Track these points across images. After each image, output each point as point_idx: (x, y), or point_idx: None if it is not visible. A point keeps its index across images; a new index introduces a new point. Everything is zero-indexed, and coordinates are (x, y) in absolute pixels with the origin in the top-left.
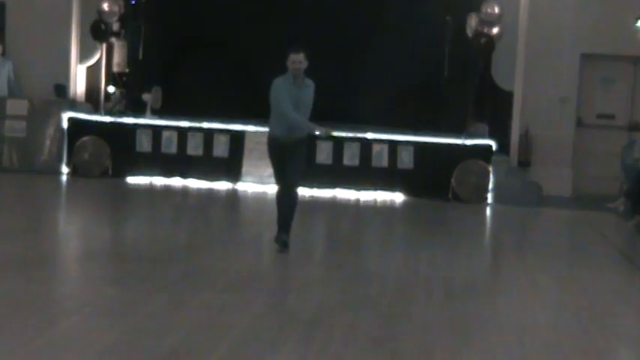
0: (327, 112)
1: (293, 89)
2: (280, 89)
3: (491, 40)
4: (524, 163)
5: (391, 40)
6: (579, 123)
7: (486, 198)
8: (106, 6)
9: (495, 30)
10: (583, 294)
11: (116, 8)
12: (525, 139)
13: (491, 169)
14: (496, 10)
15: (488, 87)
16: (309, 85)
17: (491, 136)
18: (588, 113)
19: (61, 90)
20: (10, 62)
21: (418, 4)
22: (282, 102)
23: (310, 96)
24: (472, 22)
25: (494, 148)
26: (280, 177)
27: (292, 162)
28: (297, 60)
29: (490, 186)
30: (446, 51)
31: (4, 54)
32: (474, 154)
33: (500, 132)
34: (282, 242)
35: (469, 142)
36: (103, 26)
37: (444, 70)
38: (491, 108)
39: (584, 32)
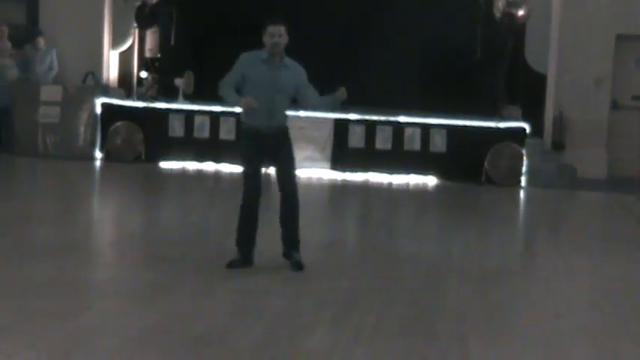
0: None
1: (264, 69)
2: (238, 65)
3: (517, 21)
4: (559, 146)
5: (422, 23)
6: (614, 105)
7: (520, 181)
8: None
9: (521, 11)
10: (618, 278)
11: None
12: (559, 121)
13: (524, 152)
14: None
15: (522, 69)
16: (291, 67)
17: (524, 119)
18: (623, 95)
19: (92, 77)
20: (55, 51)
21: None
22: (225, 77)
23: (290, 81)
24: (499, 3)
25: (527, 130)
26: (253, 180)
27: (281, 160)
28: (277, 33)
29: (524, 169)
30: (478, 33)
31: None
32: (507, 137)
33: (533, 114)
34: (296, 263)
35: (502, 124)
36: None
37: (476, 52)
38: (525, 90)
39: (619, 12)
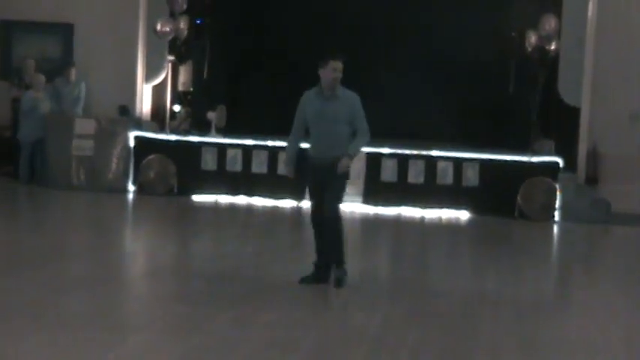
0: (392, 130)
1: (317, 103)
2: (298, 107)
3: (549, 55)
4: (592, 180)
5: (456, 56)
6: None
7: (553, 216)
8: (159, 26)
9: (554, 45)
10: None
11: (169, 27)
12: (593, 155)
13: (558, 186)
14: (553, 24)
15: (555, 103)
16: (344, 98)
17: (557, 153)
18: None
19: (125, 111)
20: (84, 83)
21: (482, 19)
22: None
23: (340, 110)
24: (531, 37)
25: (561, 165)
26: (314, 203)
27: (330, 187)
28: (338, 68)
29: (557, 203)
30: (511, 66)
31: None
32: (540, 171)
33: (567, 149)
34: (336, 279)
35: (535, 159)
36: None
37: (509, 85)
38: (558, 124)
39: None
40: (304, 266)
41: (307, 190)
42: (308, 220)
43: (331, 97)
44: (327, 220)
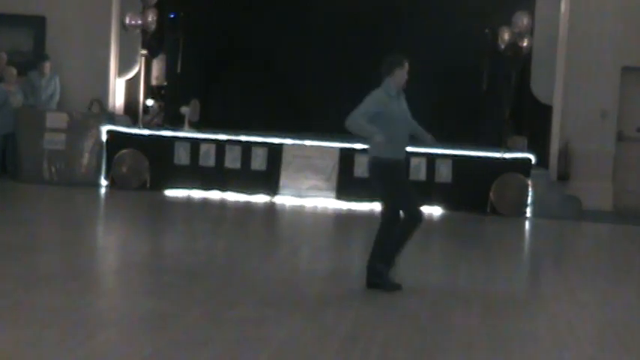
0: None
1: (395, 104)
2: (372, 102)
3: (521, 53)
4: (564, 177)
5: (428, 54)
6: (620, 136)
7: (525, 212)
8: (128, 19)
9: (526, 42)
10: (624, 310)
11: (138, 21)
12: (565, 152)
13: (530, 182)
14: (526, 22)
15: (528, 100)
16: (401, 96)
17: (530, 150)
18: (629, 127)
19: (98, 105)
20: (58, 77)
21: (455, 17)
22: (358, 112)
23: (403, 109)
24: (504, 34)
25: (533, 161)
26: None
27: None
28: (408, 69)
29: (529, 200)
30: (484, 64)
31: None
32: (512, 168)
33: (539, 145)
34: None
35: (508, 155)
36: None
37: (482, 83)
38: (530, 121)
39: (625, 45)
40: (276, 262)
41: (402, 194)
42: (282, 215)
43: (401, 98)
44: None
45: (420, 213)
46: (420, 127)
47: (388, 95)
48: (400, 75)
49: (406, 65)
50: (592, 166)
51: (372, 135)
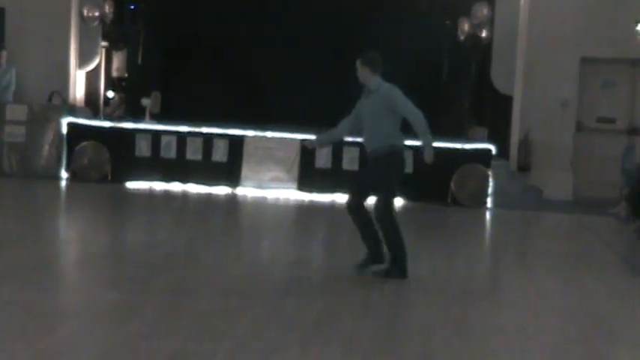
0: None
1: (363, 100)
2: (354, 109)
3: (480, 43)
4: (524, 168)
5: (387, 44)
6: (579, 127)
7: (486, 202)
8: (86, 11)
9: (485, 33)
10: (584, 298)
11: (96, 12)
12: (525, 143)
13: (490, 173)
14: (485, 12)
15: (488, 91)
16: (374, 93)
17: (490, 140)
18: (588, 117)
19: (58, 96)
20: (14, 68)
21: (415, 8)
22: None
23: (370, 104)
24: (464, 25)
25: (493, 152)
26: (353, 191)
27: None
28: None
29: (490, 190)
30: (444, 55)
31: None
32: (473, 159)
33: (499, 136)
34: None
35: (468, 146)
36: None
37: (442, 74)
38: (491, 112)
39: (584, 36)
40: (238, 253)
41: (391, 184)
42: (243, 207)
43: (368, 93)
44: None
45: (346, 202)
46: (423, 136)
47: (363, 92)
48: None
49: (356, 64)
50: (552, 156)
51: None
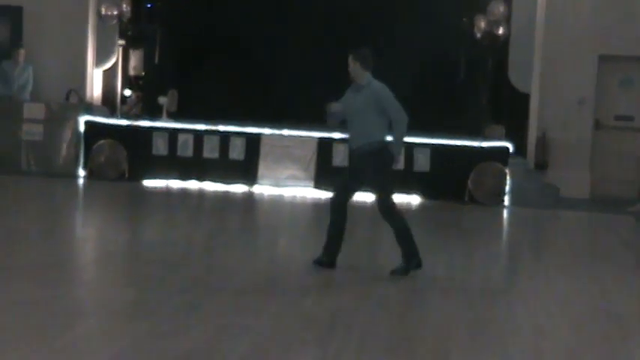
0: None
1: (350, 94)
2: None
3: (497, 41)
4: (542, 166)
5: (404, 43)
6: (597, 125)
7: (503, 200)
8: (104, 9)
9: (501, 30)
10: (602, 297)
11: (114, 11)
12: (542, 141)
13: (508, 171)
14: (501, 9)
15: (505, 89)
16: (364, 89)
17: (507, 139)
18: (606, 115)
19: (75, 95)
20: (31, 67)
21: (433, 5)
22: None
23: (360, 100)
24: (480, 23)
25: (511, 150)
26: (339, 188)
27: (364, 178)
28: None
29: (507, 188)
30: (461, 53)
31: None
32: (490, 157)
33: (517, 134)
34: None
35: (486, 144)
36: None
37: (459, 72)
38: (508, 110)
39: (601, 33)
40: (255, 251)
41: (387, 180)
42: (260, 205)
43: (358, 89)
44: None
45: (331, 198)
46: (398, 140)
47: (349, 89)
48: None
49: (348, 59)
50: (569, 154)
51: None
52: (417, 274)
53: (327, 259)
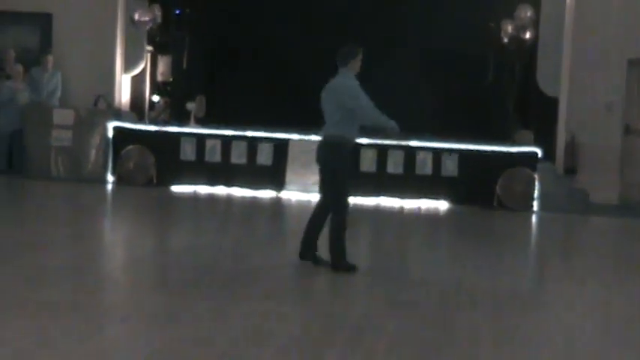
0: None
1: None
2: (361, 88)
3: (524, 45)
4: (571, 171)
5: (434, 48)
6: (626, 130)
7: (532, 206)
8: (137, 15)
9: (528, 34)
10: (632, 304)
11: (147, 17)
12: (571, 146)
13: (536, 176)
14: (528, 14)
15: (533, 93)
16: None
17: (536, 144)
18: (636, 120)
19: (104, 101)
20: (59, 73)
21: (460, 9)
22: (368, 103)
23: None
24: (507, 27)
25: (539, 155)
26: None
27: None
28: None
29: (536, 193)
30: (488, 58)
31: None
32: (519, 162)
33: (545, 139)
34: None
35: (514, 149)
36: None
37: (487, 76)
38: (537, 115)
39: (631, 37)
40: (283, 256)
41: (345, 181)
42: (288, 210)
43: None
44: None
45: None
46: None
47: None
48: (354, 66)
49: (360, 56)
50: (599, 158)
51: (387, 124)
52: (445, 280)
53: (310, 256)
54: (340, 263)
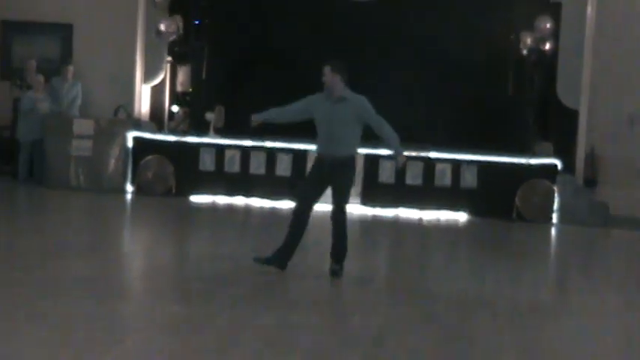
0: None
1: (325, 104)
2: (304, 100)
3: (544, 56)
4: (591, 183)
5: (455, 60)
6: None
7: (551, 218)
8: (162, 26)
9: (548, 46)
10: None
11: (172, 28)
12: (591, 158)
13: (556, 188)
14: (547, 25)
15: (553, 105)
16: (347, 101)
17: (556, 155)
18: None
19: (123, 111)
20: (79, 83)
21: (480, 21)
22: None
23: (344, 112)
24: (527, 39)
25: (559, 167)
26: (306, 195)
27: (334, 188)
28: (325, 72)
29: (555, 206)
30: (508, 69)
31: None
32: (538, 174)
33: (565, 151)
34: (331, 270)
35: (534, 161)
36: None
37: (507, 87)
38: (556, 126)
39: None
40: (303, 266)
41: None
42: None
43: (336, 100)
44: (332, 220)
45: (295, 206)
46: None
47: (321, 95)
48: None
49: (324, 70)
50: (619, 171)
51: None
52: (464, 292)
53: (279, 263)
54: (343, 260)
